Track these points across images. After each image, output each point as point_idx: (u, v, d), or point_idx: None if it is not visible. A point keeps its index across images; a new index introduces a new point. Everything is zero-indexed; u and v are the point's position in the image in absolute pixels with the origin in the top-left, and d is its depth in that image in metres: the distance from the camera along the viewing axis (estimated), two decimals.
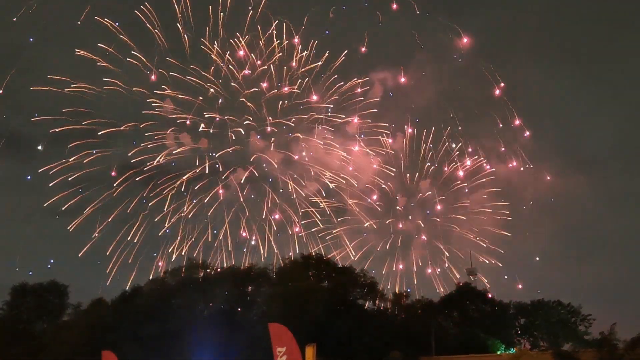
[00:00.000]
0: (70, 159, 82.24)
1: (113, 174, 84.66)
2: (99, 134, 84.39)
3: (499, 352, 64.68)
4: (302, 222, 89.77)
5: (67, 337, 63.78)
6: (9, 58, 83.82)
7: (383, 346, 60.24)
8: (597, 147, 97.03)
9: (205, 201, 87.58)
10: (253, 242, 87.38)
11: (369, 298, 73.06)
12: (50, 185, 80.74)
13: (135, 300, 69.93)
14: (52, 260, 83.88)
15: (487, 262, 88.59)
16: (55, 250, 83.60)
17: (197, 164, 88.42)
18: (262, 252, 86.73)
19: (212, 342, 59.49)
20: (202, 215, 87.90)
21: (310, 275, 73.25)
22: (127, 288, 76.39)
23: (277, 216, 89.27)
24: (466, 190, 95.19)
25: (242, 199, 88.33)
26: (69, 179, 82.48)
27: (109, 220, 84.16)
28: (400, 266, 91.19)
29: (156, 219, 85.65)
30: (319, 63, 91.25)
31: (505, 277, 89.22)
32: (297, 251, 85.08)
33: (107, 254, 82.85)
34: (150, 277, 79.81)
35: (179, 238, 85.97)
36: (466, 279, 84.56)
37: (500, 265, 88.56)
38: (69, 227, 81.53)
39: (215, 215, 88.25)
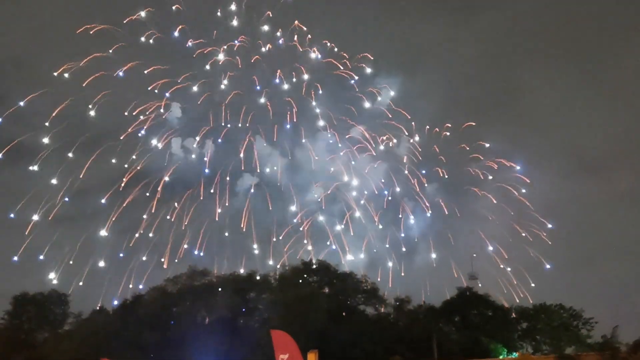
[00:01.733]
0: (70, 170, 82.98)
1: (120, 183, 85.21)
2: (105, 146, 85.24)
3: (501, 357, 64.56)
4: (307, 229, 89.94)
5: (68, 346, 63.56)
6: (11, 68, 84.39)
7: (385, 351, 60.17)
8: (603, 149, 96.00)
9: (210, 209, 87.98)
10: (257, 251, 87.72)
11: (371, 303, 72.93)
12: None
13: (137, 309, 69.78)
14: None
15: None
16: (56, 258, 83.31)
17: (203, 172, 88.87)
18: (268, 259, 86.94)
19: (214, 350, 59.44)
20: (206, 223, 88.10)
21: (311, 282, 73.16)
22: (128, 296, 76.28)
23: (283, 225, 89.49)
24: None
25: (247, 207, 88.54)
26: (69, 189, 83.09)
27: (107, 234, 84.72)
28: (404, 271, 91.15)
29: (159, 228, 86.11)
30: (328, 69, 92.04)
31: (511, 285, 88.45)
32: (299, 258, 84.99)
33: (109, 262, 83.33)
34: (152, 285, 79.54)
35: (185, 247, 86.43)
36: (468, 283, 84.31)
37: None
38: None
39: (219, 223, 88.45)
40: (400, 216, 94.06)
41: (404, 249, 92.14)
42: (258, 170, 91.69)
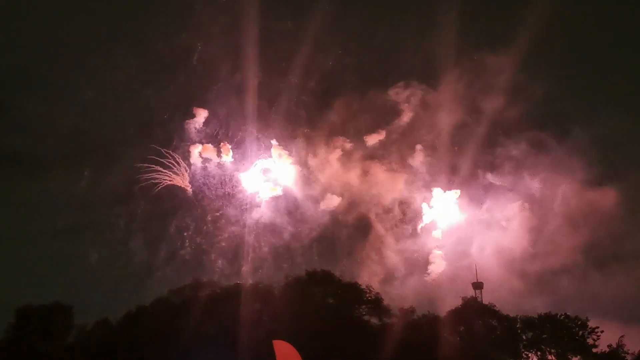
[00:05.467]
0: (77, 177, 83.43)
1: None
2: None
3: None
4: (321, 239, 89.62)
5: (73, 359, 63.49)
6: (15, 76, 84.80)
7: None
8: (629, 157, 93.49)
9: (221, 219, 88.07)
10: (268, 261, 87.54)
11: (375, 314, 72.71)
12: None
13: (140, 320, 69.68)
14: None
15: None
16: (59, 269, 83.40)
17: (216, 182, 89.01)
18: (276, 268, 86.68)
19: None
20: (216, 233, 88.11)
21: (316, 292, 73.00)
22: (132, 307, 76.01)
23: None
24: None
25: (261, 219, 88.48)
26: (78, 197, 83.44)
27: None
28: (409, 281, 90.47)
29: (171, 239, 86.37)
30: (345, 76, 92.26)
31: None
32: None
33: (113, 272, 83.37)
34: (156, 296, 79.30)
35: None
36: (472, 293, 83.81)
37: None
38: None
39: (229, 234, 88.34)
40: (416, 222, 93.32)
41: (417, 257, 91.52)
42: (276, 179, 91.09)
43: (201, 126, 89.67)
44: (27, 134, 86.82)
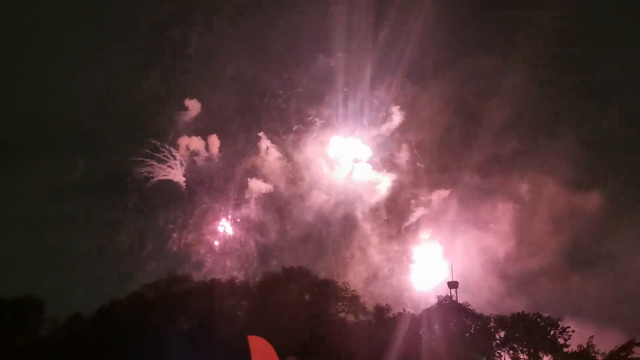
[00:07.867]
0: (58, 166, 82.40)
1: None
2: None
3: None
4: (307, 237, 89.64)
5: (45, 353, 62.60)
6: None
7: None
8: (615, 160, 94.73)
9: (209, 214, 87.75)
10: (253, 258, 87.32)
11: (351, 311, 72.94)
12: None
13: (114, 315, 68.93)
14: None
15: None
16: (31, 261, 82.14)
17: (204, 176, 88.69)
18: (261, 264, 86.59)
19: (193, 358, 59.11)
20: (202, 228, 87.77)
21: (292, 289, 73.01)
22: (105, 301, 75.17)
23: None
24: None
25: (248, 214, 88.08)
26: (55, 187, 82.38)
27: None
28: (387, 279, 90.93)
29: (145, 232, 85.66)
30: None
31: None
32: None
33: (87, 265, 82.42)
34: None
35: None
36: (447, 292, 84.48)
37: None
38: None
39: (215, 228, 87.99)
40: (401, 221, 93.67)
41: (398, 256, 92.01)
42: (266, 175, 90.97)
43: (192, 119, 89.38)
44: (7, 123, 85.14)
